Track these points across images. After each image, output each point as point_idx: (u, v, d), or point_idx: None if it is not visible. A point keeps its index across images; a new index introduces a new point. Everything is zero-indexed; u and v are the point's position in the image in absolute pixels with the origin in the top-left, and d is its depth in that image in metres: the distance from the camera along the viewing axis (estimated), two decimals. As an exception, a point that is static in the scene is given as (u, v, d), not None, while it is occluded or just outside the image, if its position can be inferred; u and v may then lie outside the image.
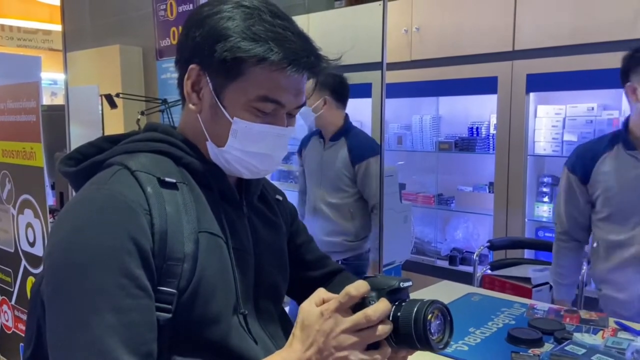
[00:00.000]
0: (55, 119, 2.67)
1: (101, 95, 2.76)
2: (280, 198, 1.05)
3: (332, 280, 1.11)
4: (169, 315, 0.76)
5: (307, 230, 1.14)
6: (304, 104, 0.89)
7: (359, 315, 0.70)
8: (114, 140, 0.90)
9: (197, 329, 0.80)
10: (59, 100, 5.57)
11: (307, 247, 1.11)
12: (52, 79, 6.09)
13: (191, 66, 0.84)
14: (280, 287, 0.97)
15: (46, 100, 6.02)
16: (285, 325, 0.96)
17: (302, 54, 0.82)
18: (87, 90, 2.81)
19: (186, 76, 0.85)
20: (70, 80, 3.00)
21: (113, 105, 2.72)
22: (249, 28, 0.81)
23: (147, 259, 0.73)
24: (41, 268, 2.16)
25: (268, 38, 0.81)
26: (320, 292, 0.75)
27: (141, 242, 0.73)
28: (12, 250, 2.33)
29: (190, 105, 0.86)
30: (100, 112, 2.73)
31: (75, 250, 0.72)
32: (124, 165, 0.80)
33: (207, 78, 0.83)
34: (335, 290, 0.77)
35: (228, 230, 0.85)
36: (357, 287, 0.71)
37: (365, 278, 0.77)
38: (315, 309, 0.73)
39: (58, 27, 4.51)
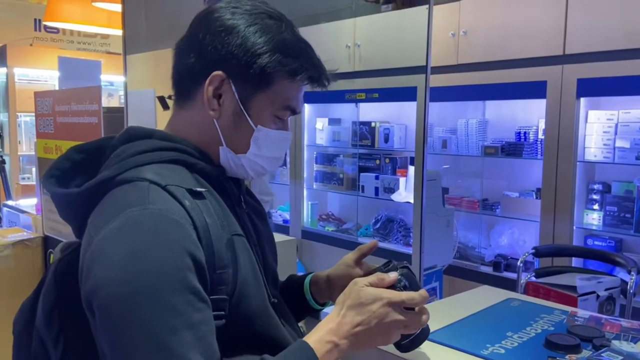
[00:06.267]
0: (114, 121, 2.81)
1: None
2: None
3: None
4: (223, 322, 0.79)
5: None
6: None
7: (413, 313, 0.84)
8: (84, 150, 0.90)
9: (243, 328, 0.84)
10: (115, 101, 5.80)
11: None
12: (108, 81, 6.36)
13: (216, 73, 0.85)
14: (277, 273, 1.03)
15: (103, 101, 6.28)
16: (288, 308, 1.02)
17: (322, 71, 0.89)
18: (145, 94, 2.94)
19: (208, 82, 0.85)
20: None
21: (166, 107, 2.84)
22: (283, 42, 0.85)
23: (202, 272, 0.76)
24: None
25: (299, 54, 0.86)
26: (379, 275, 0.86)
27: (197, 256, 0.75)
28: (72, 243, 2.47)
29: (210, 112, 0.87)
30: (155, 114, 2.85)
31: (139, 275, 0.71)
32: (149, 180, 0.79)
33: (232, 86, 0.86)
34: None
35: (245, 228, 0.90)
36: (422, 295, 0.84)
37: (387, 268, 0.91)
38: (377, 291, 0.83)
39: (115, 32, 4.72)
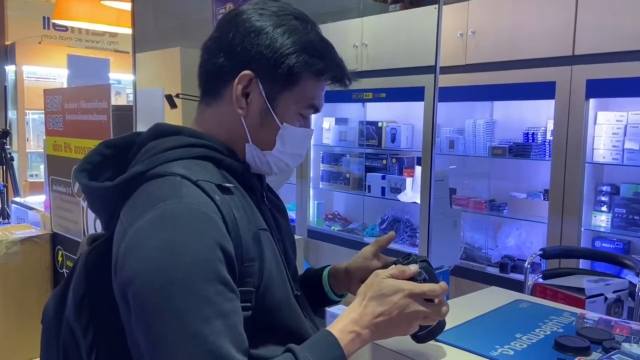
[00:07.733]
0: (123, 119, 2.82)
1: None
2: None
3: None
4: (250, 313, 0.81)
5: None
6: None
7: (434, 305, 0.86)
8: (113, 145, 0.93)
9: (268, 319, 0.85)
10: (122, 100, 5.83)
11: None
12: (115, 79, 6.39)
13: (245, 72, 0.87)
14: (296, 267, 1.05)
15: (111, 99, 6.31)
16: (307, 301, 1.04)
17: (344, 71, 0.92)
18: (153, 92, 2.95)
19: (237, 81, 0.88)
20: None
21: (173, 105, 2.85)
22: (310, 43, 0.88)
23: (232, 264, 0.78)
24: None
25: (323, 54, 0.89)
26: (400, 267, 0.88)
27: (227, 248, 0.77)
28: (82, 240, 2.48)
29: (239, 110, 0.89)
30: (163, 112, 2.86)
31: (173, 266, 0.73)
32: (181, 175, 0.81)
33: (260, 85, 0.88)
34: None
35: (268, 223, 0.92)
36: (442, 287, 0.85)
37: (407, 261, 0.92)
38: (398, 283, 0.85)
39: (123, 30, 4.74)
